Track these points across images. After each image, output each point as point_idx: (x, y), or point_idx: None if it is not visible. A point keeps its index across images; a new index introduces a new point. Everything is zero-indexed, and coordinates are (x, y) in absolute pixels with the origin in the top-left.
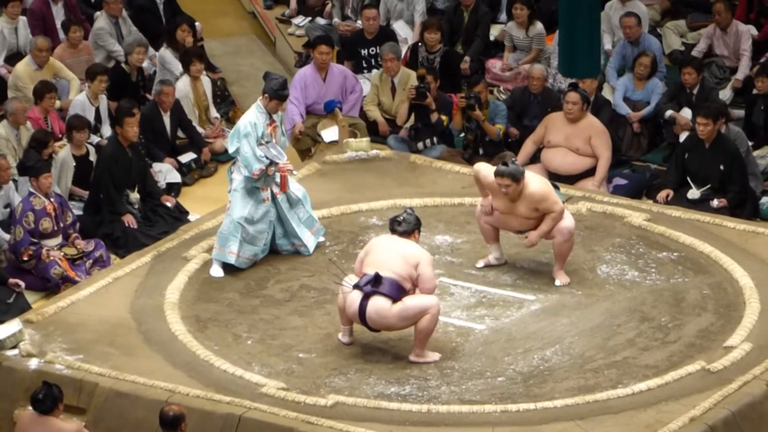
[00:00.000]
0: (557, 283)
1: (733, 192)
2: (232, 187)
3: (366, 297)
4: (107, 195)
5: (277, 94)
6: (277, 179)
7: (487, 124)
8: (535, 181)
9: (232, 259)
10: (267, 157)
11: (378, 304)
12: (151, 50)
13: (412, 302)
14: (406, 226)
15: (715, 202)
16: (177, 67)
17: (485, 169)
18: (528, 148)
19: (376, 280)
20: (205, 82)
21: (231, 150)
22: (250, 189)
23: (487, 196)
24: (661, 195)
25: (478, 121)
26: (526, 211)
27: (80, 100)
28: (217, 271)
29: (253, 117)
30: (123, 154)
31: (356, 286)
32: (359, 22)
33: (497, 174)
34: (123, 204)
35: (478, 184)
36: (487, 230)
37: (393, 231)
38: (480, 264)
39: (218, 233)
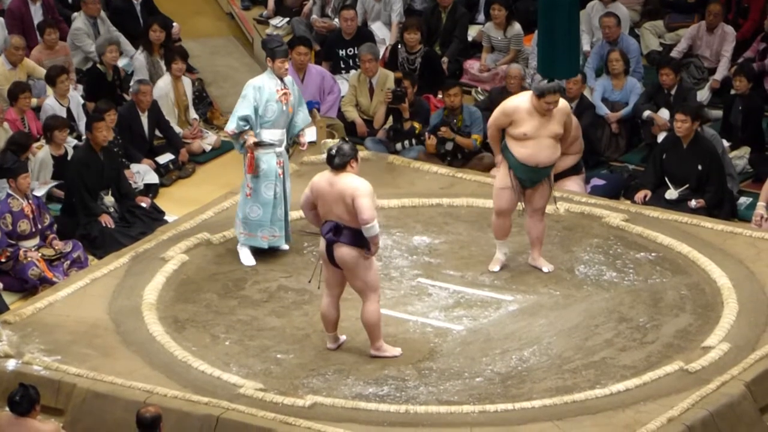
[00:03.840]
0: (545, 269)
1: (711, 192)
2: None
3: (330, 245)
4: (80, 199)
5: (273, 51)
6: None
7: (460, 138)
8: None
9: (265, 244)
10: (250, 126)
11: (342, 253)
12: (130, 49)
13: (364, 279)
14: (340, 158)
15: (692, 203)
16: (145, 74)
17: (511, 101)
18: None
19: (337, 230)
20: (186, 82)
21: None
22: (263, 170)
23: (498, 146)
24: (639, 195)
25: (447, 137)
26: (557, 126)
27: (49, 104)
28: (248, 259)
29: (258, 81)
30: (94, 159)
31: (322, 234)
32: (336, 20)
33: (551, 91)
34: (98, 206)
35: (502, 118)
36: (503, 227)
37: (330, 166)
38: (495, 268)
39: (242, 219)
